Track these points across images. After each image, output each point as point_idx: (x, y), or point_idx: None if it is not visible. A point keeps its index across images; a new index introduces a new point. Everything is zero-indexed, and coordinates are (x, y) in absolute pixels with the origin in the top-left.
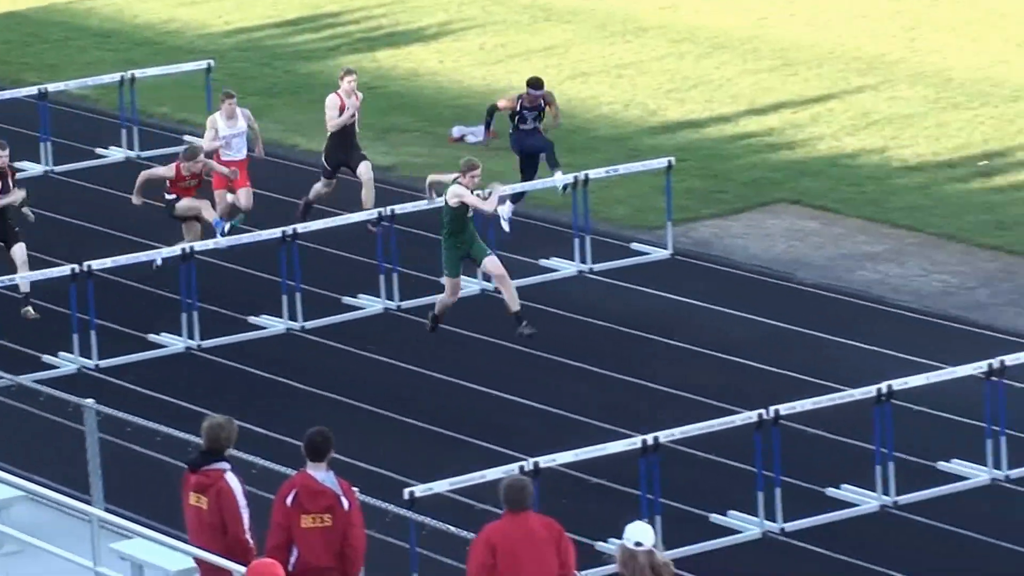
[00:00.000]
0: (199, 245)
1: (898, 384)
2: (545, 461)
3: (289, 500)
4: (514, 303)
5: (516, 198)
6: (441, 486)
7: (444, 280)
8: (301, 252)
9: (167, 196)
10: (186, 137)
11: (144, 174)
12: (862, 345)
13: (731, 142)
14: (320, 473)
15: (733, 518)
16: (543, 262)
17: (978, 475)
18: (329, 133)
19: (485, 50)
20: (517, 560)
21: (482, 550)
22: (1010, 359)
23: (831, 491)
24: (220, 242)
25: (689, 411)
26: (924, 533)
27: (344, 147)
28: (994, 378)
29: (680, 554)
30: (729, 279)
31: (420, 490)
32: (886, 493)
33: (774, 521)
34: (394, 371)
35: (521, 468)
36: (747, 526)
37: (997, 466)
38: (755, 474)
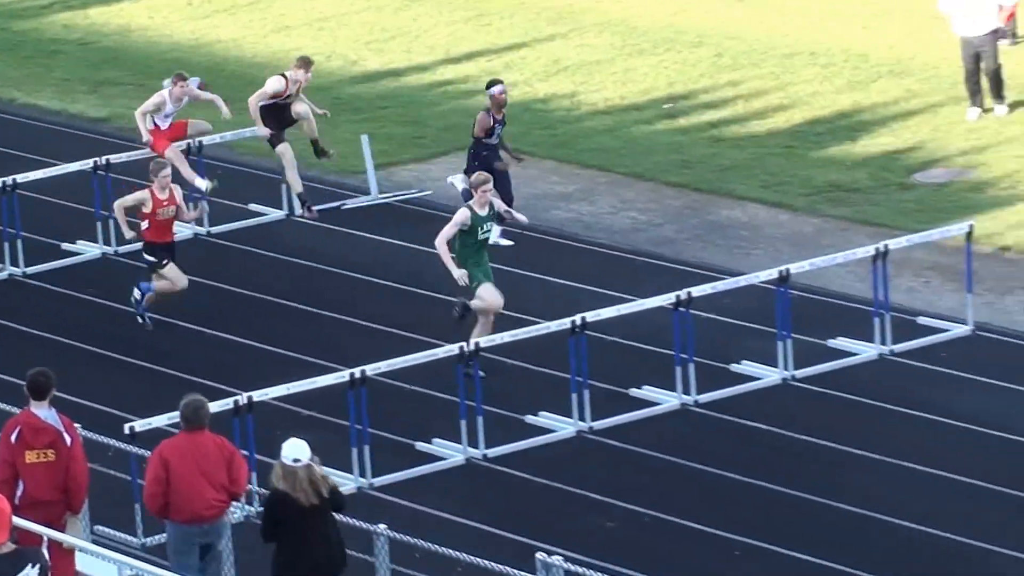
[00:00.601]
0: None
1: (591, 316)
2: (258, 395)
3: (13, 437)
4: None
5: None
6: (160, 420)
7: (479, 292)
8: (21, 201)
9: (146, 255)
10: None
11: (118, 205)
12: (557, 280)
13: (429, 90)
14: (43, 411)
15: (438, 446)
16: (252, 206)
17: (668, 400)
18: (260, 108)
19: (193, 5)
20: (188, 474)
21: (156, 463)
22: (696, 290)
23: (530, 418)
24: None
25: (395, 345)
26: (618, 456)
27: (278, 117)
28: (682, 308)
29: (389, 480)
30: (429, 220)
31: (140, 425)
32: (582, 419)
33: (477, 448)
34: (112, 312)
35: (236, 403)
36: (451, 453)
37: (686, 391)
38: (458, 403)
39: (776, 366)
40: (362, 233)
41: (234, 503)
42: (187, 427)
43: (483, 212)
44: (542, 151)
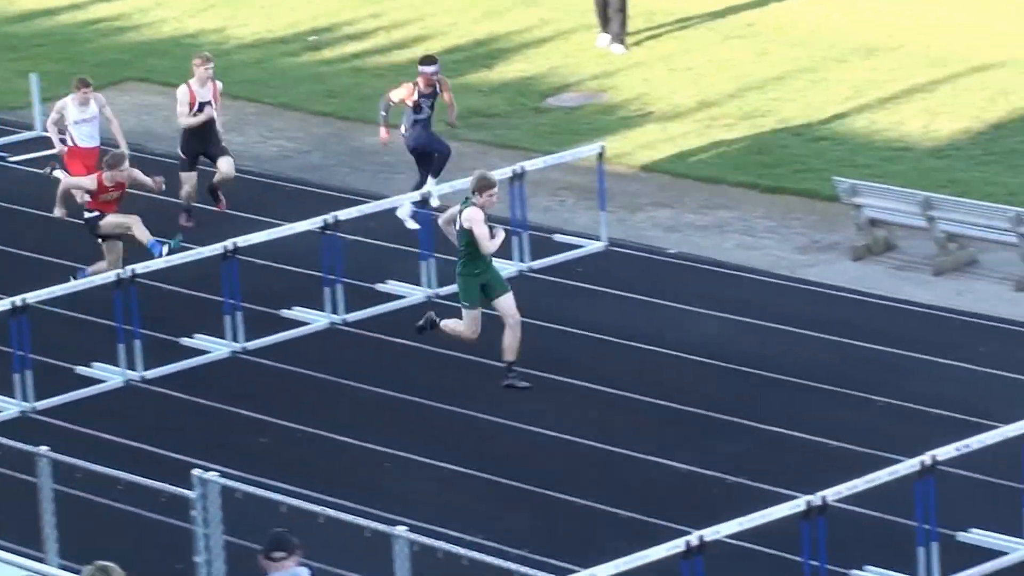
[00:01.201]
0: None
1: (243, 241)
2: None
3: None
4: (511, 353)
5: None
6: None
7: (465, 315)
8: None
9: (87, 213)
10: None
11: (64, 183)
12: (209, 207)
13: (84, 27)
14: None
15: (98, 369)
16: None
17: (317, 319)
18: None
19: None
20: None
21: None
22: (343, 214)
23: (186, 340)
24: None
25: (48, 275)
26: (271, 375)
27: (201, 137)
28: (329, 232)
29: (51, 404)
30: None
31: None
32: (235, 340)
33: (135, 370)
34: None
35: None
36: (111, 375)
37: (335, 311)
38: (116, 328)
39: (420, 284)
40: (32, 169)
41: None
42: None
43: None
44: None
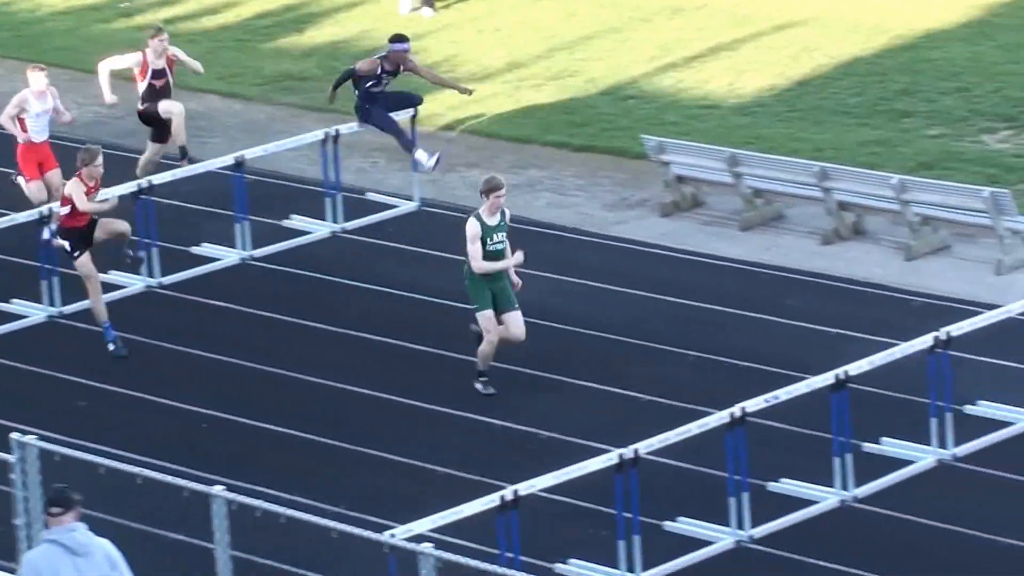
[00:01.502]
0: None
1: (58, 207)
2: None
3: None
4: (483, 362)
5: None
6: None
7: (478, 317)
8: None
9: (62, 241)
10: None
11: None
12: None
13: None
14: None
15: None
16: None
17: (135, 283)
18: (140, 95)
19: None
20: None
21: None
22: (157, 179)
23: (3, 305)
24: None
25: None
26: (87, 337)
27: (155, 112)
28: (144, 196)
29: None
30: None
31: None
32: (52, 304)
33: None
34: None
35: None
36: None
37: (151, 275)
38: None
39: (235, 247)
40: None
41: None
42: None
43: (492, 221)
44: (7, 51)
